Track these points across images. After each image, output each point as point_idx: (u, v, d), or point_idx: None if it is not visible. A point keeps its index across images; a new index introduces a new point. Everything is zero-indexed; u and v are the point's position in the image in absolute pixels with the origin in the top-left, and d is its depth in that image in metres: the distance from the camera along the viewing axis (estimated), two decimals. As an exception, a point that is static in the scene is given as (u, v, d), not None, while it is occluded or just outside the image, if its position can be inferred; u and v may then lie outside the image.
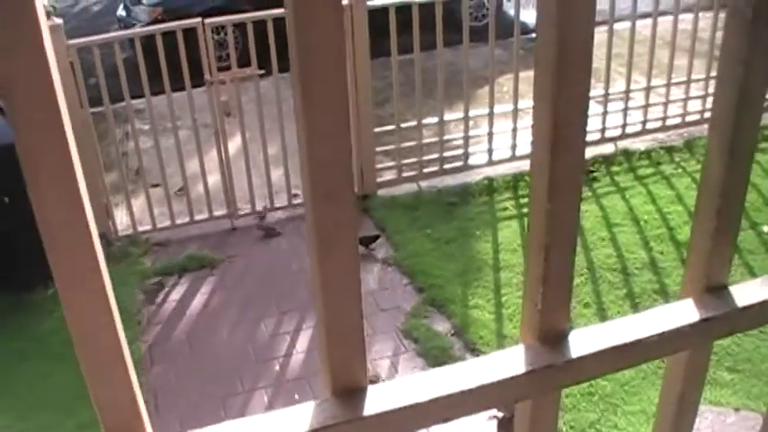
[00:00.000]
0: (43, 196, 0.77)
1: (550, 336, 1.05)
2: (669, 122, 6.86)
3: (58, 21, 5.40)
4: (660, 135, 6.85)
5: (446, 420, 1.00)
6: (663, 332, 1.10)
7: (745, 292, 1.15)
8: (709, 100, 6.64)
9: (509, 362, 1.03)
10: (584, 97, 0.92)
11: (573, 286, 1.06)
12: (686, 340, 1.14)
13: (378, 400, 0.96)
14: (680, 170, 6.36)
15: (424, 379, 1.00)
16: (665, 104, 6.80)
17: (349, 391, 0.96)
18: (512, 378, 1.01)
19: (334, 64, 0.78)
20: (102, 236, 6.50)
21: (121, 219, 6.08)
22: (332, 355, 0.93)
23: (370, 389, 0.97)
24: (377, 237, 5.65)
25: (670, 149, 6.66)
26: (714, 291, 1.15)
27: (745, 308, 1.13)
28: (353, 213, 0.86)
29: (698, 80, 6.80)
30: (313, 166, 0.82)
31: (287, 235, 5.94)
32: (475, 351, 4.61)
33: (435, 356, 4.58)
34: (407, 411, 0.96)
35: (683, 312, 1.14)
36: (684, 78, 6.76)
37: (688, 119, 6.89)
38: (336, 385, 0.96)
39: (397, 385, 0.99)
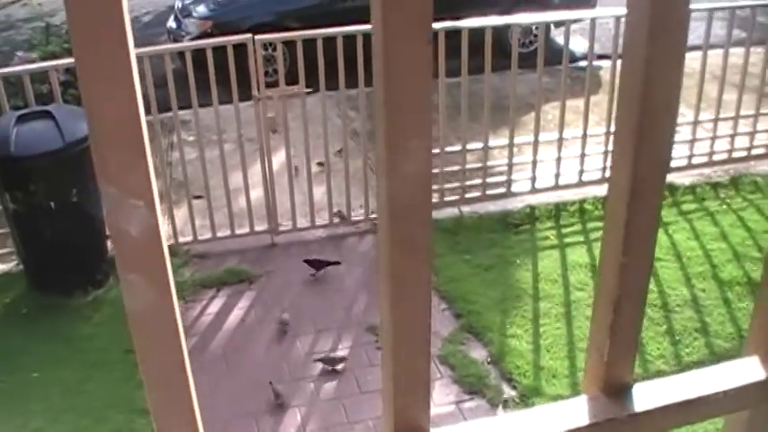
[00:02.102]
0: (119, 211, 0.77)
1: (614, 388, 1.03)
2: (715, 158, 6.80)
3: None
4: (706, 170, 6.78)
5: (506, 470, 0.99)
6: (726, 390, 1.08)
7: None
8: (758, 136, 6.68)
9: (572, 413, 1.02)
10: (666, 154, 0.91)
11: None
12: (748, 399, 1.12)
13: (439, 446, 0.95)
14: (725, 207, 6.29)
15: (486, 426, 1.00)
16: (713, 139, 6.73)
17: (410, 435, 0.95)
18: (575, 430, 1.00)
19: (420, 102, 0.78)
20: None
21: (163, 229, 6.11)
22: (396, 400, 0.93)
23: (432, 434, 0.97)
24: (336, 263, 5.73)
25: (715, 185, 6.59)
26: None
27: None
28: (429, 263, 0.85)
29: (746, 116, 6.73)
30: (393, 214, 0.81)
31: (327, 253, 5.94)
32: (511, 381, 4.57)
33: (471, 384, 4.56)
34: (468, 459, 0.96)
35: (747, 370, 1.12)
36: (733, 114, 6.69)
37: (735, 155, 6.82)
38: (398, 429, 0.95)
39: (459, 431, 0.98)
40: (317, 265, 5.66)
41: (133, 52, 0.71)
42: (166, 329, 0.83)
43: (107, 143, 0.73)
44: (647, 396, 1.05)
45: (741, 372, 1.11)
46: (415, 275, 0.85)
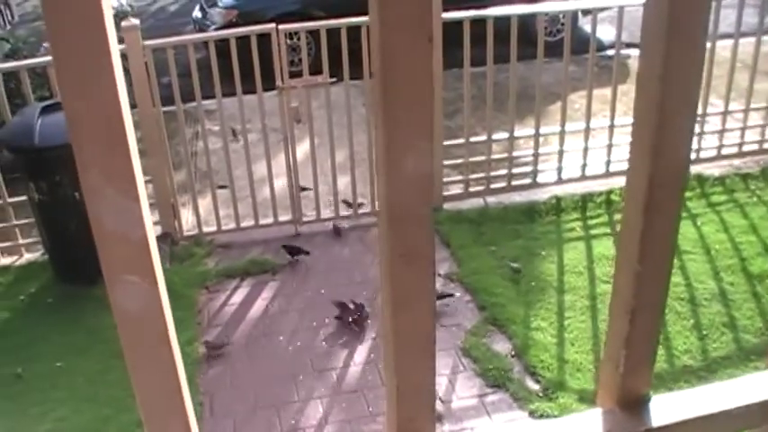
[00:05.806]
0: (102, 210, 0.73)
1: (630, 401, 0.99)
2: (746, 149, 6.68)
3: (135, 21, 5.46)
4: (736, 161, 6.67)
5: (516, 486, 0.95)
6: (749, 404, 1.03)
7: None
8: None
9: (586, 427, 0.97)
10: (685, 157, 0.86)
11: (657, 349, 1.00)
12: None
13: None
14: (755, 199, 6.17)
15: (495, 440, 0.96)
16: (743, 130, 6.62)
17: (415, 450, 0.91)
18: (589, 446, 0.95)
19: (421, 102, 0.74)
20: (167, 235, 6.50)
21: (187, 219, 6.13)
22: (400, 413, 0.89)
23: (438, 448, 0.93)
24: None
25: (745, 177, 6.47)
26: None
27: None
28: (431, 276, 0.81)
29: (779, 106, 6.61)
30: (392, 218, 0.77)
31: (350, 244, 5.91)
32: (534, 375, 4.52)
33: (494, 377, 4.50)
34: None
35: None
36: (764, 104, 6.57)
37: (766, 146, 6.70)
38: (403, 443, 0.91)
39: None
40: (294, 251, 5.73)
41: (116, 48, 0.68)
42: (157, 335, 0.80)
43: (88, 143, 0.69)
44: (666, 410, 1.00)
45: (765, 384, 1.06)
46: (417, 284, 0.81)
